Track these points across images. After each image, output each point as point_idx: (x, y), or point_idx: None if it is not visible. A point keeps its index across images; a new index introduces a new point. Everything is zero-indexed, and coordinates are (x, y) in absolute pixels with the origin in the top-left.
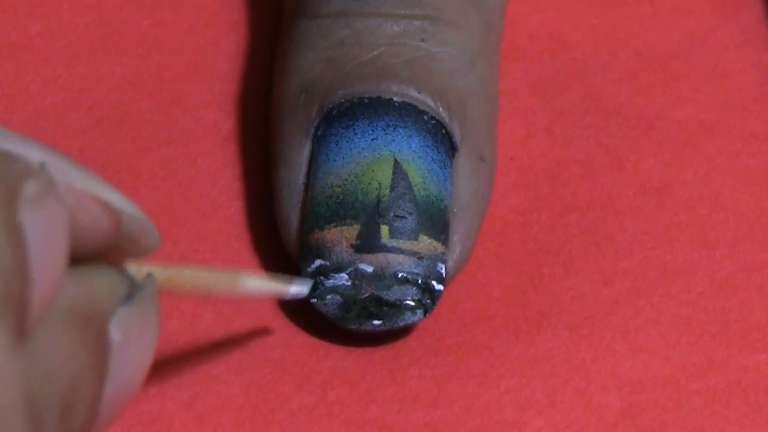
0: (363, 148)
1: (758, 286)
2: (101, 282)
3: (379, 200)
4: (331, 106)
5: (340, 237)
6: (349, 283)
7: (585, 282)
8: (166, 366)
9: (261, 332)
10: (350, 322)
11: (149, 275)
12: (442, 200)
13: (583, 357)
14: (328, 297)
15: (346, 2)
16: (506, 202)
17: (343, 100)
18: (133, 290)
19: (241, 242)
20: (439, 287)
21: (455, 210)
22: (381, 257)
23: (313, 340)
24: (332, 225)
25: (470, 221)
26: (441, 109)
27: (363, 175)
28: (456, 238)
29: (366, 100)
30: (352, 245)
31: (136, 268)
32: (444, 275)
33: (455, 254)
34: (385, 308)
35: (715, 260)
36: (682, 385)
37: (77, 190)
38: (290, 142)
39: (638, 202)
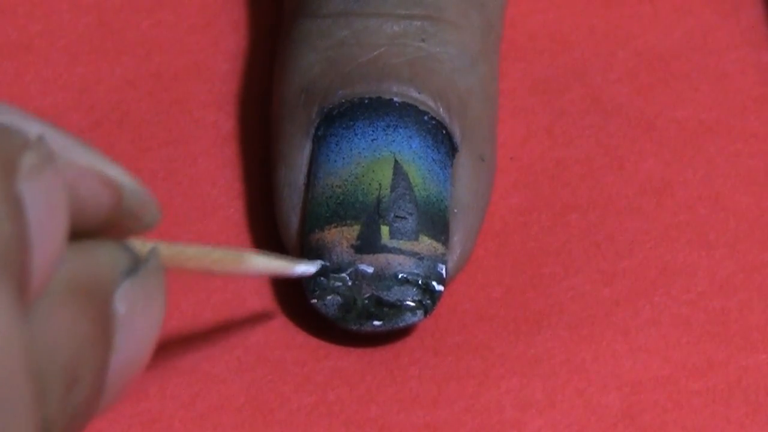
0: (363, 149)
1: (758, 286)
2: (104, 255)
3: (379, 201)
4: (331, 106)
5: (341, 237)
6: (349, 284)
7: (585, 282)
8: (166, 366)
9: (261, 332)
10: (350, 323)
11: (153, 249)
12: (442, 201)
13: (583, 357)
14: (329, 297)
15: (346, 2)
16: (506, 202)
17: (343, 101)
18: (137, 264)
19: (241, 242)
20: (440, 288)
21: (455, 210)
22: (381, 258)
23: (313, 340)
24: (332, 225)
25: (470, 222)
26: (441, 109)
27: (363, 176)
28: (456, 238)
29: (366, 101)
30: (352, 246)
31: (139, 244)
32: (444, 276)
33: (455, 255)
34: (385, 309)
35: (715, 260)
36: (682, 385)
37: (78, 164)
38: (290, 142)
39: (638, 202)
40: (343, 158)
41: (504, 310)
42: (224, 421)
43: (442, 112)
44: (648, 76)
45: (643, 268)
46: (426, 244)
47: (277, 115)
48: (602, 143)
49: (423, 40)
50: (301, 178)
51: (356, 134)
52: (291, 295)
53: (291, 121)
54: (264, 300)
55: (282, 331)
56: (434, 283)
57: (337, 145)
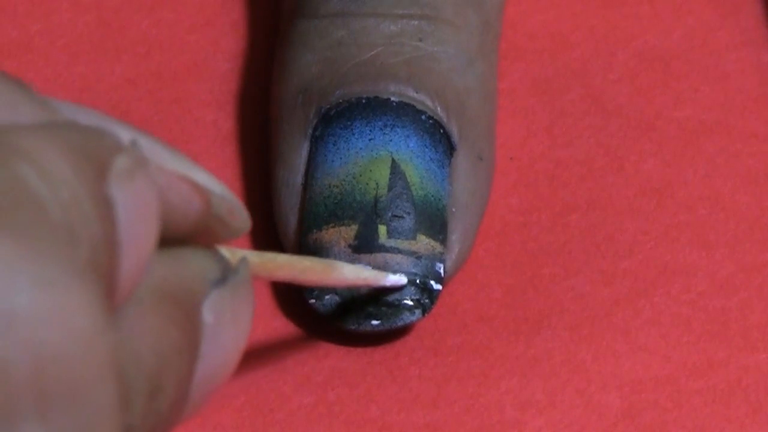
0: (361, 149)
1: (758, 286)
2: (193, 263)
3: (376, 200)
4: (328, 106)
5: (338, 237)
6: None
7: (585, 282)
8: None
9: (261, 332)
10: (349, 323)
11: (243, 259)
12: (440, 200)
13: (583, 357)
14: (327, 297)
15: (343, 2)
16: (506, 202)
17: (340, 101)
18: (226, 273)
19: (240, 242)
20: (438, 287)
21: (453, 209)
22: (379, 257)
23: (313, 340)
24: (330, 225)
25: (469, 221)
26: (439, 108)
27: (361, 176)
28: (454, 237)
29: (364, 100)
30: (350, 245)
31: (228, 252)
32: (442, 275)
33: (454, 254)
34: (383, 308)
35: (715, 260)
36: (682, 385)
37: (168, 169)
38: (288, 142)
39: (638, 202)
40: (341, 158)
41: (504, 310)
42: (224, 421)
43: (439, 112)
44: (648, 76)
45: (643, 268)
46: (424, 243)
47: (275, 115)
48: (602, 143)
49: (420, 40)
50: (299, 178)
51: (354, 134)
52: (291, 295)
53: (289, 121)
54: (264, 300)
55: (282, 331)
56: (432, 282)
57: (334, 145)
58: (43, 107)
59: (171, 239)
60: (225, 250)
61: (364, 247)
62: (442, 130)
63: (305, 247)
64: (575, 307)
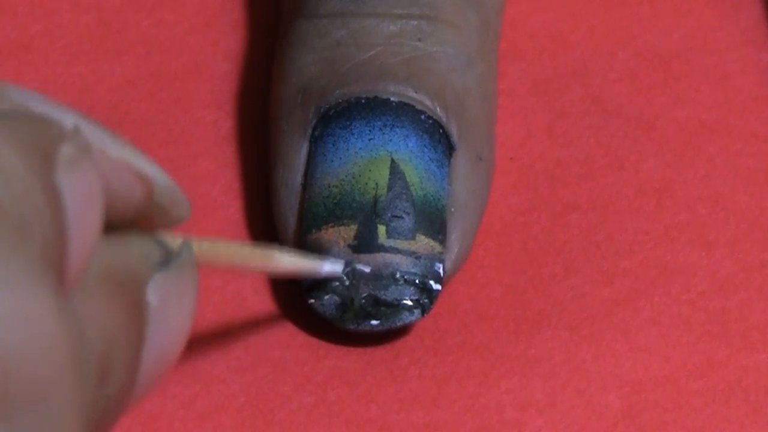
0: (360, 148)
1: (758, 286)
2: (136, 247)
3: (376, 200)
4: (328, 106)
5: (338, 237)
6: (346, 284)
7: (585, 282)
8: None
9: (261, 332)
10: (348, 323)
11: (186, 242)
12: (439, 200)
13: (583, 357)
14: (326, 297)
15: (343, 2)
16: (506, 202)
17: (340, 101)
18: (169, 257)
19: (240, 242)
20: (437, 287)
21: (453, 209)
22: (378, 257)
23: (313, 340)
24: (329, 225)
25: (468, 220)
26: (438, 108)
27: (360, 175)
28: (454, 237)
29: (363, 100)
30: (349, 245)
31: (170, 238)
32: (442, 275)
33: (453, 254)
34: (382, 308)
35: (715, 260)
36: (682, 385)
37: (111, 156)
38: (288, 142)
39: (638, 202)
40: (340, 158)
41: (504, 310)
42: (224, 421)
43: (439, 111)
44: (648, 76)
45: (643, 268)
46: (423, 243)
47: (274, 115)
48: (602, 143)
49: (419, 40)
50: (298, 178)
51: (353, 134)
52: (291, 295)
53: (288, 121)
54: (264, 300)
55: (282, 331)
56: (431, 282)
57: (334, 144)
58: None
59: (113, 225)
60: (167, 236)
61: (363, 247)
62: (441, 130)
63: (304, 247)
64: (575, 307)
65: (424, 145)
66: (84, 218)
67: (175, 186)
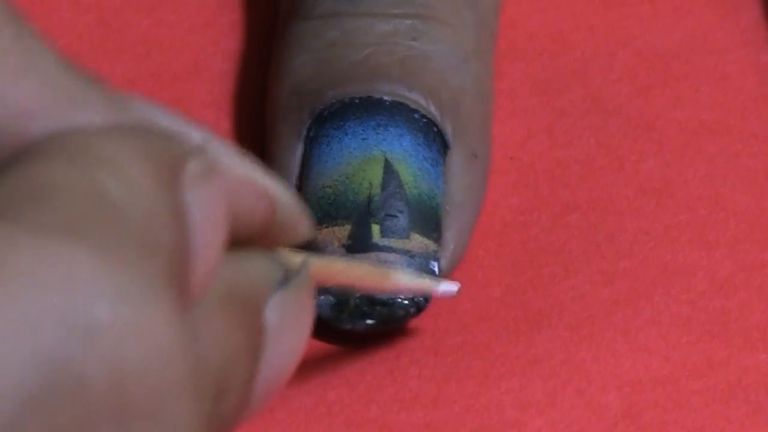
0: (354, 149)
1: (758, 286)
2: (256, 266)
3: (370, 200)
4: (322, 107)
5: (332, 237)
6: None
7: (585, 282)
8: None
9: None
10: (344, 322)
11: (305, 261)
12: (433, 198)
13: (583, 357)
14: (321, 297)
15: (338, 3)
16: (506, 202)
17: (334, 101)
18: (288, 275)
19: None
20: None
21: (448, 208)
22: (372, 256)
23: (313, 341)
24: (324, 226)
25: (464, 218)
26: (432, 107)
27: (354, 175)
28: (449, 235)
29: (357, 101)
30: (343, 245)
31: (288, 255)
32: (437, 273)
33: (449, 252)
34: (377, 307)
35: (715, 260)
36: (682, 385)
37: (236, 173)
38: (283, 144)
39: (638, 202)
40: (334, 158)
41: (504, 310)
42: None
43: (433, 110)
44: (648, 76)
45: (643, 268)
46: (417, 241)
47: (270, 116)
48: (602, 143)
49: (414, 39)
50: (293, 179)
51: (347, 134)
52: None
53: (284, 122)
54: None
55: None
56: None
57: (327, 145)
58: (116, 106)
59: (235, 241)
60: (286, 253)
61: (357, 246)
62: (435, 129)
63: (299, 248)
64: (575, 307)
65: (419, 144)
66: (209, 235)
67: (299, 204)
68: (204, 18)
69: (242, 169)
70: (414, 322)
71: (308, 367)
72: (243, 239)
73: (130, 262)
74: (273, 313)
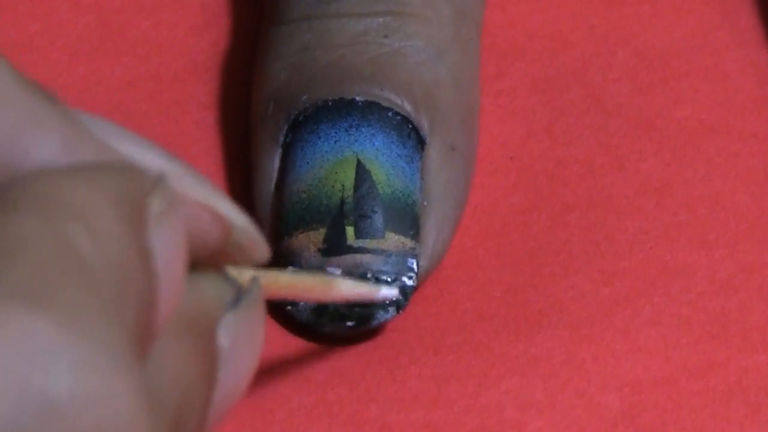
0: (326, 152)
1: (758, 286)
2: (208, 288)
3: (343, 202)
4: (297, 112)
5: (308, 242)
6: None
7: (585, 282)
8: None
9: None
10: (324, 326)
11: (255, 279)
12: (409, 195)
13: (583, 357)
14: (301, 303)
15: (308, 6)
16: (506, 202)
17: (307, 105)
18: (239, 295)
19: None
20: (411, 283)
21: (425, 203)
22: (348, 258)
23: (313, 341)
24: (299, 231)
25: (443, 212)
26: (406, 103)
27: (326, 178)
28: (427, 230)
29: (330, 103)
30: (319, 249)
31: (236, 272)
32: (416, 269)
33: (428, 247)
34: (356, 309)
35: (715, 260)
36: (682, 385)
37: (192, 198)
38: (262, 150)
39: (638, 202)
40: (308, 163)
41: (504, 309)
42: (224, 421)
43: (406, 106)
44: (648, 76)
45: (643, 268)
46: (393, 240)
47: (251, 125)
48: (602, 143)
49: (386, 36)
50: (272, 186)
51: (320, 138)
52: None
53: (262, 130)
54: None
55: (282, 331)
56: (404, 278)
57: (302, 150)
58: (70, 124)
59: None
60: (233, 270)
61: (333, 249)
62: (410, 125)
63: (278, 254)
64: (575, 307)
65: (392, 142)
66: (172, 273)
67: (254, 227)
68: (204, 19)
69: (199, 193)
70: (414, 322)
71: (308, 367)
72: (196, 261)
73: (93, 330)
74: (225, 335)
